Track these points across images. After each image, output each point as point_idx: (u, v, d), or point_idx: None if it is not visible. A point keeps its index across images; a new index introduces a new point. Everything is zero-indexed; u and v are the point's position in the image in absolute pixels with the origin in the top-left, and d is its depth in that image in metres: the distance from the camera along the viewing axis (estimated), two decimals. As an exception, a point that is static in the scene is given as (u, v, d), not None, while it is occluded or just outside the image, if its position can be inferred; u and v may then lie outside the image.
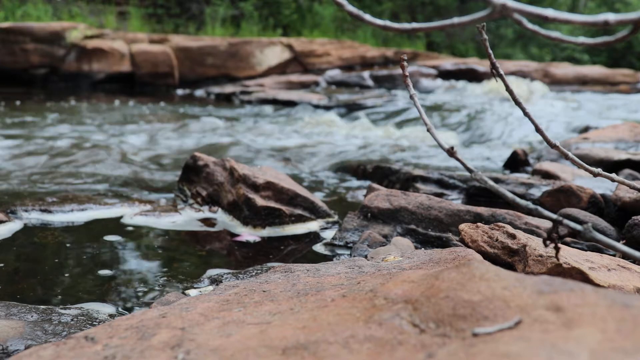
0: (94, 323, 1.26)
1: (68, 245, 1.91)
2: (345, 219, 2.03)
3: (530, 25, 0.70)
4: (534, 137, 4.85)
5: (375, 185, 2.20)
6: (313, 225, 2.15)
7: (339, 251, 1.89)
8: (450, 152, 1.04)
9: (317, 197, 2.33)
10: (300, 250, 1.95)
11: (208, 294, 1.08)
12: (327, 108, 6.86)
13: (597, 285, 1.18)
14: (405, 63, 1.26)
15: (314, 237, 2.07)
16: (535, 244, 1.41)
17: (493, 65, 1.41)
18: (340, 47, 10.24)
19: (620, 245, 0.85)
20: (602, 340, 0.60)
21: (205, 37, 9.69)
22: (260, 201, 2.13)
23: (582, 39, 0.71)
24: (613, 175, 1.52)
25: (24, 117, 5.62)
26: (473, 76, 9.33)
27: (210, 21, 10.67)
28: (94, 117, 5.77)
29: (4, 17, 9.00)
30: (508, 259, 1.43)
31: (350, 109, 6.79)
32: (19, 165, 3.51)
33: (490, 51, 1.38)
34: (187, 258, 1.85)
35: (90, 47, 8.32)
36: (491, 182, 0.95)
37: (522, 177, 2.73)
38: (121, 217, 2.20)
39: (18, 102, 6.80)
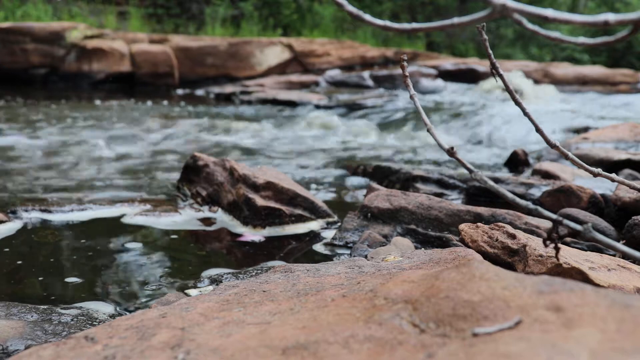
0: (94, 323, 1.26)
1: (68, 245, 1.91)
2: (345, 219, 2.03)
3: (530, 25, 0.70)
4: (533, 137, 4.85)
5: (375, 185, 2.20)
6: (313, 225, 2.15)
7: (339, 251, 1.89)
8: (450, 152, 1.04)
9: (317, 197, 2.33)
10: (300, 250, 1.95)
11: (208, 294, 1.08)
12: (327, 108, 6.86)
13: (597, 285, 1.18)
14: (405, 63, 1.26)
15: (314, 237, 2.07)
16: (535, 244, 1.41)
17: (493, 66, 1.41)
18: (340, 47, 10.24)
19: (620, 245, 0.85)
20: (602, 340, 0.60)
21: (205, 37, 9.69)
22: (260, 201, 2.13)
23: (582, 39, 0.71)
24: (613, 175, 1.52)
25: (23, 117, 5.62)
26: (473, 76, 9.32)
27: (210, 21, 10.67)
28: (94, 117, 5.77)
29: (4, 17, 9.00)
30: (508, 259, 1.43)
31: (350, 109, 6.79)
32: (19, 165, 3.51)
33: (490, 51, 1.38)
34: (187, 258, 1.85)
35: (90, 47, 8.32)
36: (491, 182, 0.95)
37: (522, 177, 2.73)
38: (121, 216, 2.20)
39: (18, 102, 6.80)
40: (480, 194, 2.58)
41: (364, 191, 2.69)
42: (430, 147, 4.58)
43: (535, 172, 2.87)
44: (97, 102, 7.17)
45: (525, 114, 1.46)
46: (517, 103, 1.45)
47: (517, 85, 7.68)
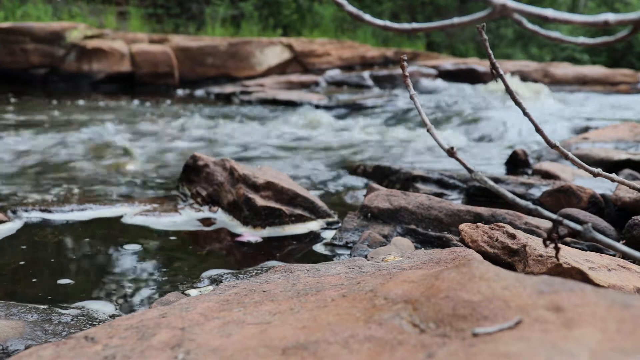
0: (94, 323, 1.26)
1: (68, 245, 1.91)
2: (345, 219, 2.03)
3: (530, 25, 0.70)
4: (534, 137, 4.85)
5: (375, 185, 2.20)
6: (313, 225, 2.15)
7: (339, 251, 1.89)
8: (450, 152, 1.04)
9: (317, 197, 2.33)
10: (300, 250, 1.95)
11: (208, 294, 1.08)
12: (327, 108, 6.86)
13: (597, 285, 1.18)
14: (405, 63, 1.26)
15: (314, 237, 2.07)
16: (535, 244, 1.41)
17: (493, 66, 1.41)
18: (340, 47, 10.24)
19: (620, 245, 0.85)
20: (602, 340, 0.60)
21: (205, 37, 9.69)
22: (260, 201, 2.13)
23: (582, 39, 0.71)
24: (613, 175, 1.52)
25: (23, 117, 5.62)
26: (473, 76, 9.33)
27: (210, 21, 10.67)
28: (94, 117, 5.77)
29: (4, 17, 8.99)
30: (508, 259, 1.43)
31: (350, 109, 6.79)
32: (19, 165, 3.51)
33: (490, 51, 1.38)
34: (187, 258, 1.85)
35: (90, 47, 8.32)
36: (491, 182, 0.95)
37: (522, 177, 2.73)
38: (121, 217, 2.20)
39: (18, 102, 6.80)
40: (480, 194, 2.58)
41: (364, 191, 2.69)
42: (430, 147, 4.58)
43: (535, 172, 2.87)
44: (97, 102, 7.17)
45: (526, 114, 1.46)
46: (517, 103, 1.45)
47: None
